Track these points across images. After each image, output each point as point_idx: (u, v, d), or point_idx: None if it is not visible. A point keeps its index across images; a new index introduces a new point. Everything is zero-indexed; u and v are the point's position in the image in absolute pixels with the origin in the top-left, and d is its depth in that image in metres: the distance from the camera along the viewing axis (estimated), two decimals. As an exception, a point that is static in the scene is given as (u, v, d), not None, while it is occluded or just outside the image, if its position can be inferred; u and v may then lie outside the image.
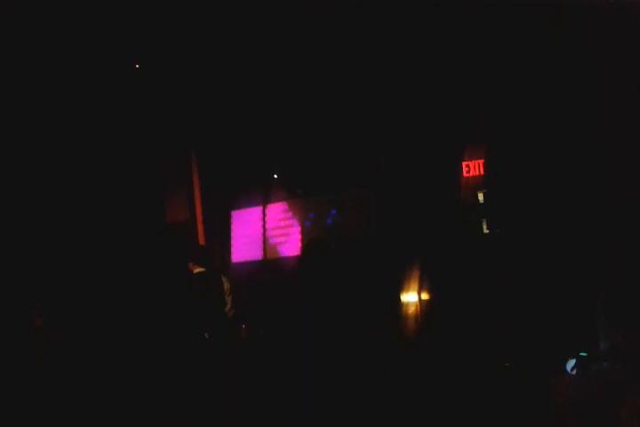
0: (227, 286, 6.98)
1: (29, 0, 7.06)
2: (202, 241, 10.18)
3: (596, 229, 6.66)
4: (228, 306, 6.97)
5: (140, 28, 7.77)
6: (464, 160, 7.81)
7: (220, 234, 10.63)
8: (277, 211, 10.12)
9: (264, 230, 10.22)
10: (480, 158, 7.74)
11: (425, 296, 7.59)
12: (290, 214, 9.95)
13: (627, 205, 6.42)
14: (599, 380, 2.68)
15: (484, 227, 7.62)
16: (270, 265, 9.87)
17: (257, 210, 10.39)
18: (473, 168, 7.78)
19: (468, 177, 7.80)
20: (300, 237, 9.69)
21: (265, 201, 10.23)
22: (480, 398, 5.82)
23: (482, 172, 7.74)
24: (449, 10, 7.01)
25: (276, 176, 9.95)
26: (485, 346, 6.65)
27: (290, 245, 9.82)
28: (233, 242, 10.63)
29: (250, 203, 10.45)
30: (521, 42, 6.97)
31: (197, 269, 7.02)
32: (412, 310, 7.53)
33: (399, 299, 7.61)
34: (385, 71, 8.03)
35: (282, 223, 10.05)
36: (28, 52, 7.78)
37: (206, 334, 6.69)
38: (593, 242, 6.65)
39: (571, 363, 4.82)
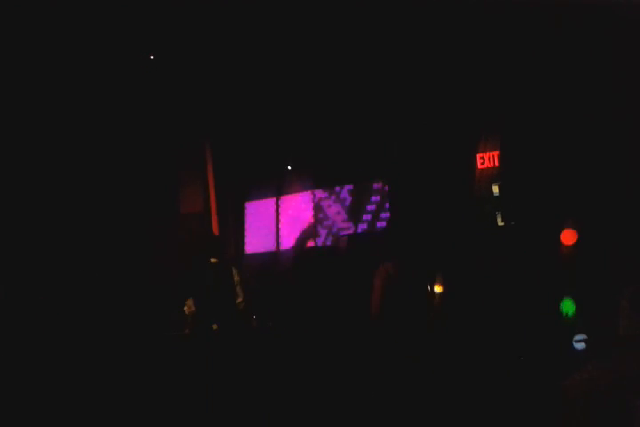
0: (237, 278, 6.96)
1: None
2: (216, 232, 10.18)
3: (613, 220, 6.60)
4: (240, 299, 6.95)
5: (157, 20, 7.75)
6: (479, 152, 7.75)
7: (234, 225, 10.63)
8: (291, 202, 10.11)
9: (277, 222, 10.21)
10: (495, 150, 7.68)
11: (438, 289, 7.54)
12: (303, 206, 9.94)
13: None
14: (613, 374, 2.63)
15: (499, 219, 7.57)
16: (283, 256, 9.86)
17: (271, 201, 10.39)
18: (488, 160, 7.72)
19: (482, 169, 7.75)
20: (313, 228, 9.69)
21: (278, 192, 10.23)
22: (491, 393, 5.79)
23: (497, 164, 7.68)
24: (466, 4, 6.94)
25: (289, 168, 9.93)
26: (499, 339, 6.61)
27: (303, 236, 9.81)
28: (246, 233, 10.63)
29: (264, 194, 10.44)
30: (537, 34, 6.90)
31: (209, 261, 7.01)
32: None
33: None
34: (399, 63, 7.96)
35: (295, 215, 10.04)
36: (48, 45, 7.80)
37: (215, 326, 6.68)
38: (609, 233, 6.59)
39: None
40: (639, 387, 2.54)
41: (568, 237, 6.79)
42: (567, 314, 6.66)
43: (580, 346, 6.31)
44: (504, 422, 5.40)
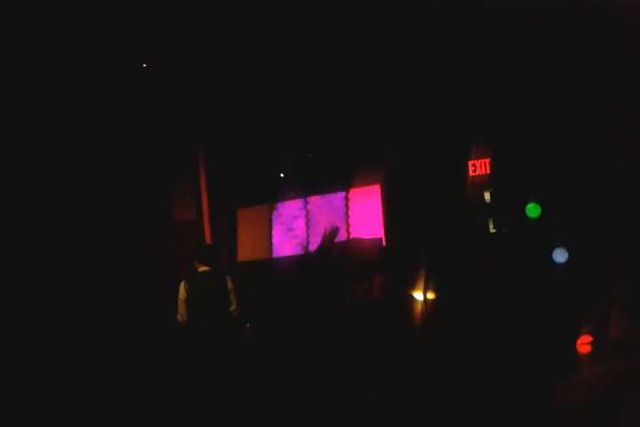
0: (230, 285, 6.95)
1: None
2: (208, 240, 10.16)
3: (604, 227, 6.64)
4: (234, 306, 6.94)
5: (149, 27, 7.76)
6: (470, 159, 7.80)
7: (227, 232, 10.62)
8: (283, 210, 10.12)
9: (270, 229, 10.22)
10: (486, 157, 7.73)
11: (430, 295, 7.57)
12: (296, 213, 9.95)
13: (632, 200, 6.42)
14: (609, 375, 2.66)
15: (491, 226, 7.61)
16: (277, 264, 9.86)
17: (263, 208, 10.39)
18: (479, 167, 7.77)
19: (474, 176, 7.79)
20: (306, 235, 9.70)
21: (271, 200, 10.23)
22: (491, 393, 5.81)
23: (488, 171, 7.73)
24: (456, 10, 6.98)
25: (282, 175, 9.94)
26: (495, 343, 6.64)
27: (296, 243, 9.81)
28: (239, 240, 10.63)
29: (256, 201, 10.44)
30: (529, 42, 6.95)
31: (201, 269, 7.01)
32: (417, 309, 7.51)
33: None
34: (392, 71, 8.00)
35: (288, 222, 10.05)
36: (38, 51, 7.80)
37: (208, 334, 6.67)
38: (600, 240, 6.63)
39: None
40: (635, 388, 2.56)
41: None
42: (531, 216, 6.73)
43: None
44: (504, 422, 5.41)
